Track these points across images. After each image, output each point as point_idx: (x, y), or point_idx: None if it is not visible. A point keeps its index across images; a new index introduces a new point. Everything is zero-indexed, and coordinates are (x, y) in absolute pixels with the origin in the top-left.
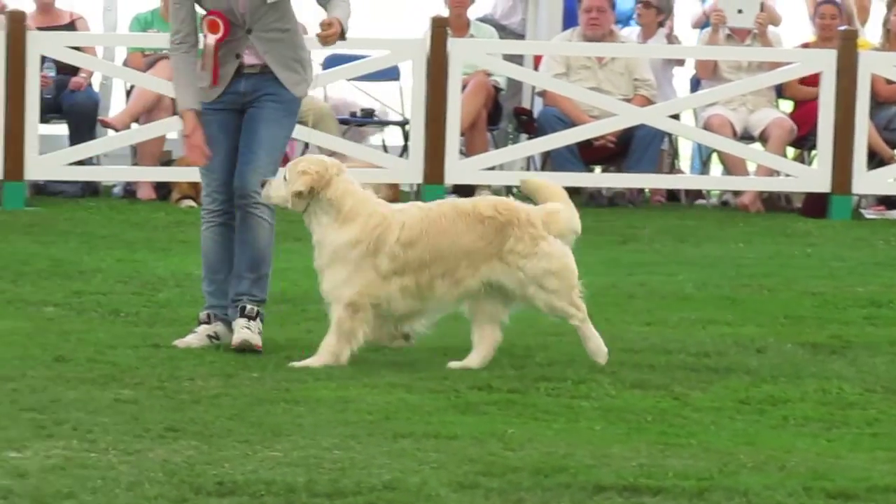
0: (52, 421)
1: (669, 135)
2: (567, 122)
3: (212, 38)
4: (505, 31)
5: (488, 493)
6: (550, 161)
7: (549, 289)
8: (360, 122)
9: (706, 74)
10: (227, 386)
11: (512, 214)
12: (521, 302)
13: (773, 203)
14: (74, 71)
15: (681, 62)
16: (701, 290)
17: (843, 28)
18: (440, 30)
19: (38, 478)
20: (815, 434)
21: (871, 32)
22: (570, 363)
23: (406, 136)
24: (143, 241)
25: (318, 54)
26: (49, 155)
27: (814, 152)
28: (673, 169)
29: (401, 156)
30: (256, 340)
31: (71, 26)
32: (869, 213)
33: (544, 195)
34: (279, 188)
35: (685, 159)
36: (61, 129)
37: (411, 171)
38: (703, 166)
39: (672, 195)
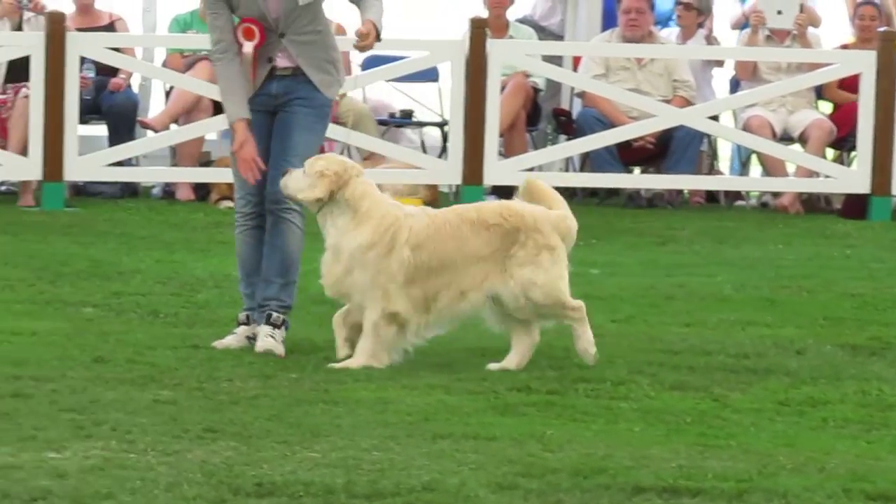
0: (91, 421)
1: (708, 136)
2: (606, 123)
3: (249, 46)
4: (544, 32)
5: (527, 494)
6: (589, 162)
7: (535, 300)
8: (399, 122)
9: (745, 75)
10: (265, 387)
11: (518, 220)
12: (515, 314)
13: (813, 204)
14: (114, 72)
15: (720, 63)
16: (740, 291)
17: (882, 29)
18: (479, 31)
19: (77, 478)
20: (855, 436)
21: None
22: (610, 364)
23: (445, 137)
24: (181, 241)
25: (357, 55)
26: (88, 156)
27: (853, 153)
28: (712, 170)
29: (439, 157)
30: (280, 350)
31: (110, 27)
32: None
33: (546, 201)
34: (298, 180)
35: (724, 160)
36: (100, 130)
37: (450, 172)
38: (743, 167)
39: (711, 196)
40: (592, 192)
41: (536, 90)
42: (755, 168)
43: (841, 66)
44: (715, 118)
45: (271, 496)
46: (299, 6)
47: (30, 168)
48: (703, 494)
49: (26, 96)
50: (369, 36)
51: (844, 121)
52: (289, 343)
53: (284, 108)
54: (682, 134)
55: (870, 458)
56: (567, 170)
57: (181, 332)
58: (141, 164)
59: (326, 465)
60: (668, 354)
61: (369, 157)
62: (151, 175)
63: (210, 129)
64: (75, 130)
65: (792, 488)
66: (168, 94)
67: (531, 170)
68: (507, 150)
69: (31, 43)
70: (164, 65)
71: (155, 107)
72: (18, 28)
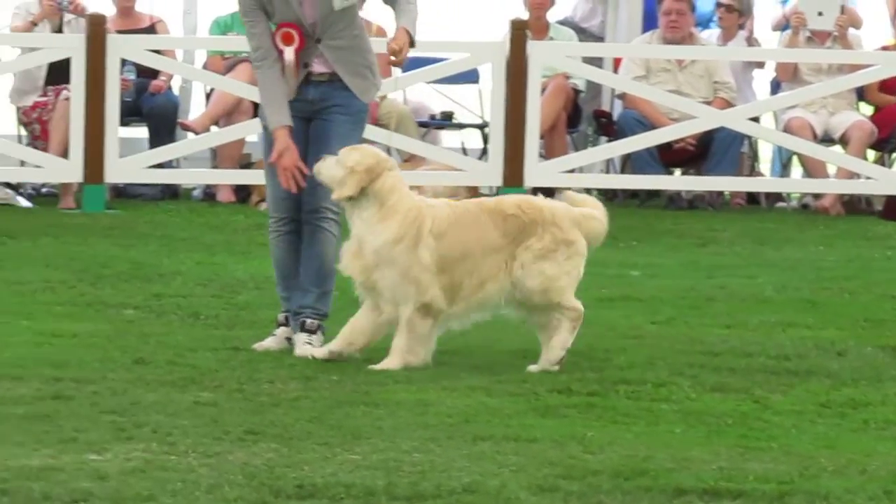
0: (132, 423)
1: (749, 137)
2: (647, 125)
3: (290, 51)
4: (584, 34)
5: (568, 496)
6: (630, 164)
7: (535, 291)
8: (440, 124)
9: (786, 77)
10: (306, 389)
11: (536, 214)
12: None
13: (854, 206)
14: (154, 74)
15: (761, 65)
16: (781, 292)
17: None
18: (520, 32)
19: (118, 480)
20: None
21: None
22: (650, 366)
23: (485, 139)
24: (222, 243)
25: None
26: (129, 158)
27: (894, 154)
28: (753, 171)
29: (480, 158)
30: (320, 352)
31: (151, 30)
32: None
33: (583, 206)
34: (331, 168)
35: (765, 162)
36: (141, 132)
37: (491, 174)
38: (784, 169)
39: (752, 198)
40: (633, 194)
41: (577, 92)
42: (796, 169)
43: (882, 67)
44: (756, 120)
45: (312, 498)
46: (335, 11)
47: (71, 170)
48: (744, 496)
49: (67, 98)
50: (402, 52)
51: (885, 122)
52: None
53: (321, 115)
54: (722, 135)
55: None
56: (608, 171)
57: (222, 334)
58: (181, 166)
59: (367, 466)
60: (709, 356)
61: (410, 159)
62: (192, 177)
63: (251, 131)
64: (116, 133)
65: (833, 490)
66: (209, 96)
67: (572, 171)
68: (548, 152)
69: (71, 45)
70: (205, 67)
71: (195, 109)
72: (59, 30)
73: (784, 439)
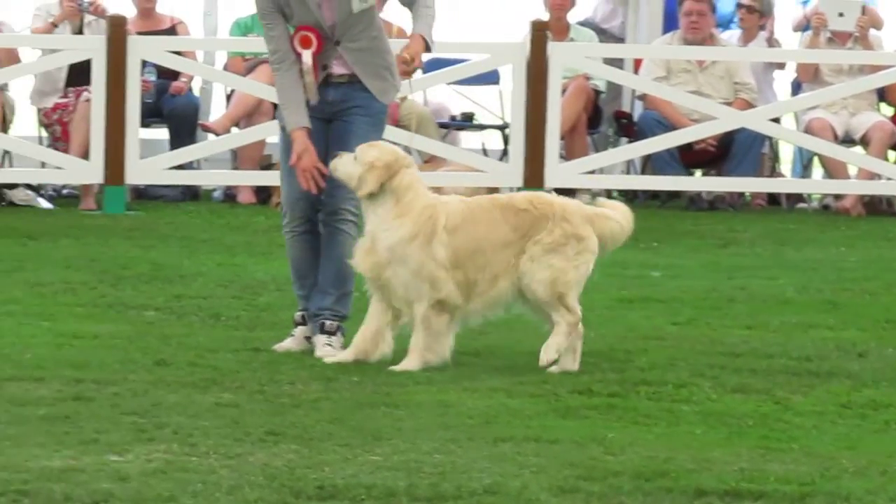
0: (153, 425)
1: (770, 138)
2: (667, 126)
3: (307, 55)
4: (605, 35)
5: (589, 497)
6: (650, 165)
7: (540, 284)
8: (460, 125)
9: (807, 78)
10: (327, 390)
11: (547, 208)
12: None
13: (875, 207)
14: (175, 75)
15: (781, 65)
16: (802, 293)
17: None
18: (540, 33)
19: (139, 481)
20: None
21: None
22: (671, 367)
23: (506, 140)
24: (243, 244)
25: None
26: (150, 159)
27: None
28: (774, 172)
29: (500, 159)
30: (341, 356)
31: (171, 31)
32: None
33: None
34: (347, 165)
35: (786, 163)
36: (162, 133)
37: (511, 175)
38: (804, 170)
39: (773, 199)
40: (654, 195)
41: (597, 93)
42: (817, 170)
43: None
44: (776, 120)
45: (333, 499)
46: (354, 13)
47: (91, 171)
48: (765, 498)
49: (88, 100)
50: (414, 61)
51: None
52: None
53: (341, 116)
54: (743, 136)
55: None
56: (628, 172)
57: (242, 336)
58: (202, 167)
59: (388, 468)
60: (730, 357)
61: (430, 160)
62: (212, 178)
63: (271, 133)
64: (136, 134)
65: (854, 491)
66: (229, 97)
67: (592, 172)
68: (568, 153)
69: (92, 46)
70: (226, 68)
71: (216, 110)
72: (80, 32)
73: (805, 440)
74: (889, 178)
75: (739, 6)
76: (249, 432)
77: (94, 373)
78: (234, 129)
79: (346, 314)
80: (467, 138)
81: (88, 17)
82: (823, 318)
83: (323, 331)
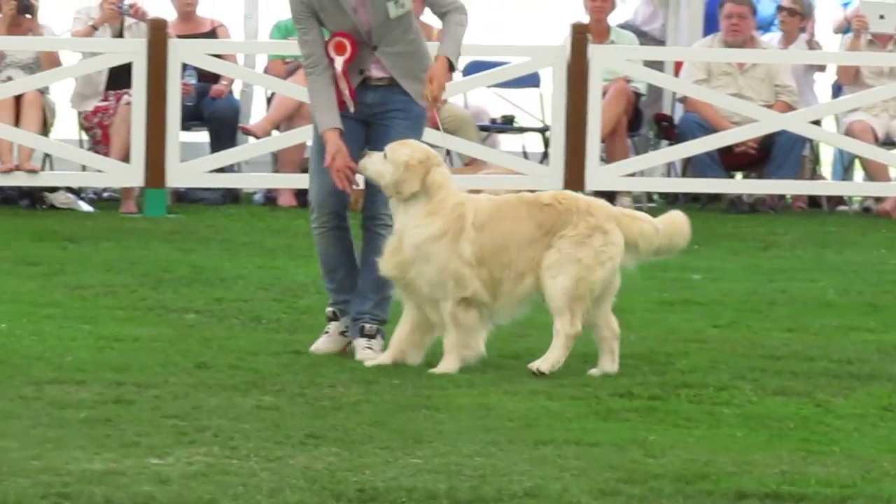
0: (194, 428)
1: (811, 141)
2: (708, 129)
3: (339, 61)
4: (645, 38)
5: (629, 500)
6: (691, 167)
7: (557, 276)
8: (501, 128)
9: (848, 80)
10: (367, 393)
11: (571, 203)
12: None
13: None
14: (215, 78)
15: (822, 68)
16: (843, 296)
17: None
18: (581, 36)
19: (180, 484)
20: None
21: None
22: (712, 370)
23: (546, 143)
24: (283, 247)
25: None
26: (190, 162)
27: None
28: (814, 175)
29: (541, 162)
30: (380, 359)
31: (212, 34)
32: None
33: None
34: (376, 163)
35: (826, 165)
36: (202, 136)
37: (551, 178)
38: (845, 172)
39: (813, 201)
40: (694, 198)
41: (638, 95)
42: (858, 173)
43: None
44: (817, 123)
45: (373, 502)
46: (390, 18)
47: (132, 174)
48: (806, 500)
49: (128, 103)
50: (433, 83)
51: None
52: None
53: (380, 118)
54: (784, 139)
55: None
56: (669, 175)
57: (283, 338)
58: (242, 170)
59: (429, 470)
60: (771, 360)
61: (471, 163)
62: (253, 181)
63: (311, 136)
64: (177, 137)
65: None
66: (269, 100)
67: (632, 175)
68: (609, 156)
69: (132, 49)
70: (266, 71)
71: (256, 113)
72: (120, 35)
73: (846, 443)
74: None
75: (780, 8)
76: (290, 435)
77: (134, 376)
78: (275, 132)
79: (385, 318)
80: (507, 141)
81: (129, 21)
82: (864, 321)
83: (363, 334)
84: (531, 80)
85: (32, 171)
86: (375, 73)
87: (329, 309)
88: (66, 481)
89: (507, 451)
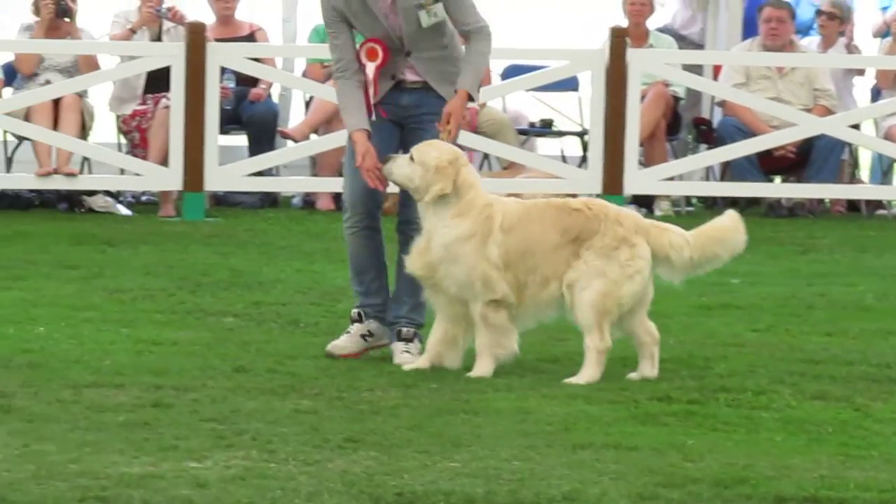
0: (232, 431)
1: (850, 145)
2: (746, 132)
3: (371, 67)
4: (684, 41)
5: None
6: (730, 171)
7: (584, 291)
8: (539, 132)
9: (887, 84)
10: (406, 396)
11: (600, 210)
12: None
13: None
14: (254, 82)
15: (861, 72)
16: (882, 300)
17: None
18: (619, 40)
19: (218, 488)
20: None
21: None
22: (750, 374)
23: (585, 147)
24: (321, 251)
25: (496, 64)
26: (228, 166)
27: None
28: (853, 179)
29: (580, 166)
30: (418, 363)
31: (250, 38)
32: None
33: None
34: (403, 167)
35: (865, 169)
36: (241, 140)
37: (590, 182)
38: (884, 176)
39: (852, 205)
40: (733, 202)
41: (677, 99)
42: None
43: None
44: (856, 127)
45: None
46: (423, 27)
47: (170, 178)
48: None
49: (167, 107)
50: (449, 121)
51: None
52: None
53: (415, 121)
54: (823, 143)
55: None
56: (707, 179)
57: (322, 342)
58: (281, 173)
59: (467, 474)
60: (810, 364)
61: (509, 167)
62: (291, 185)
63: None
64: (215, 141)
65: None
66: (308, 104)
67: (671, 179)
68: (648, 160)
69: (171, 53)
70: (304, 75)
71: (295, 117)
72: (158, 38)
73: (885, 447)
74: None
75: (819, 13)
76: (328, 439)
77: (173, 379)
78: (313, 136)
79: (421, 322)
80: (546, 145)
81: (167, 24)
82: None
83: (400, 338)
84: (570, 84)
85: (71, 175)
86: (410, 76)
87: (354, 310)
88: (105, 485)
89: (545, 455)
